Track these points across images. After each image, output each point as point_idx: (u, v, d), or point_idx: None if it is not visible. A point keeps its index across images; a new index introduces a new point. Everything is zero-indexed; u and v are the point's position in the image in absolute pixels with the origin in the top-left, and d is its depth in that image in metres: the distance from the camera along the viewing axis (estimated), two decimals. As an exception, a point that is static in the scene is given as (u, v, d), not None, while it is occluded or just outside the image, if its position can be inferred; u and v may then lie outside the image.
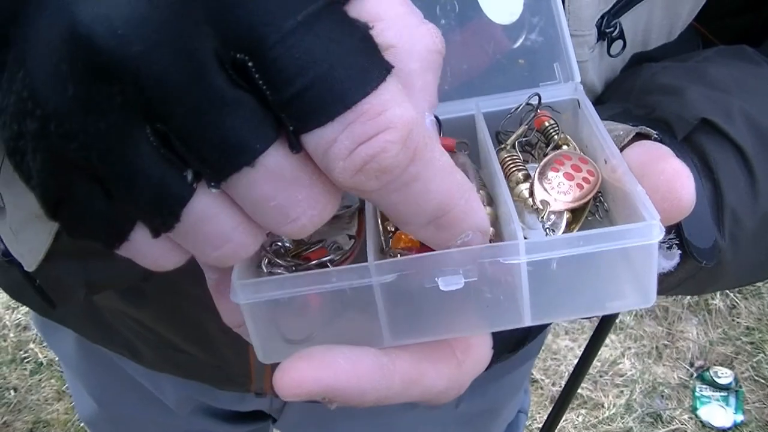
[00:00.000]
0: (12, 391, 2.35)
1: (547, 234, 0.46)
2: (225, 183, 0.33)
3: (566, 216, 0.48)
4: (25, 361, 2.43)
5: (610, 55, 0.64)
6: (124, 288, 0.77)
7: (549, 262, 0.42)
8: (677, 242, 0.56)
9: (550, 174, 0.48)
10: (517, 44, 0.56)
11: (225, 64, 0.31)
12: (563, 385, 1.34)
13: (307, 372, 0.39)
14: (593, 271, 0.43)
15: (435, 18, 0.56)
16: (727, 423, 2.25)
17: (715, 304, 2.51)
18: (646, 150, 0.48)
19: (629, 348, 2.43)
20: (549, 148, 0.52)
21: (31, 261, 0.66)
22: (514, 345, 0.52)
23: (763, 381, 2.33)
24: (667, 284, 0.61)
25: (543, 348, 2.38)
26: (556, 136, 0.52)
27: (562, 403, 1.36)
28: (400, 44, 0.35)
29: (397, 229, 0.46)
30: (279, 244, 0.46)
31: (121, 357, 0.99)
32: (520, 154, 0.51)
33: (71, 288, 0.73)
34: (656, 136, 0.52)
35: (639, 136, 0.52)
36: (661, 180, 0.44)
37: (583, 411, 2.29)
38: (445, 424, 1.10)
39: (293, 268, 0.45)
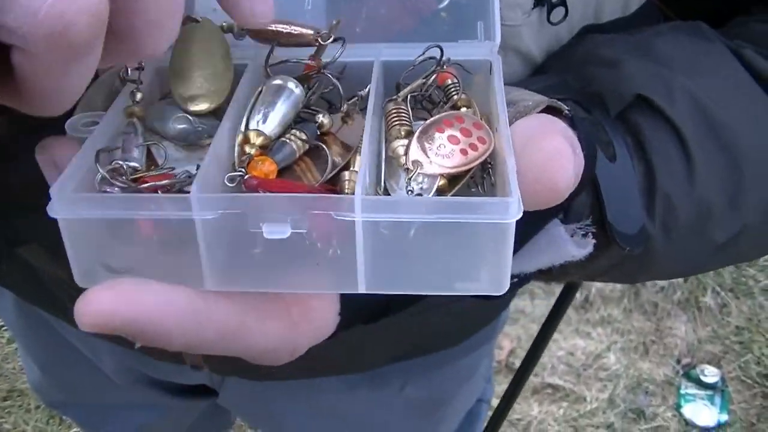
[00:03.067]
0: (-13, 360, 2.38)
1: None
2: None
3: (439, 182, 0.45)
4: (2, 329, 2.42)
5: (551, 23, 0.60)
6: (47, 242, 0.76)
7: (398, 226, 0.40)
8: (593, 230, 0.54)
9: (434, 134, 0.45)
10: (444, 3, 0.53)
11: None
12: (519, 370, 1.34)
13: (110, 305, 0.37)
14: (442, 243, 0.41)
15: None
16: (710, 422, 2.24)
17: (706, 302, 2.49)
18: (538, 123, 0.45)
19: (615, 342, 2.41)
20: (447, 107, 0.49)
21: None
22: (370, 315, 0.50)
23: (749, 381, 2.32)
24: (592, 270, 0.58)
25: (526, 338, 2.35)
26: (455, 96, 0.49)
27: (514, 388, 1.35)
28: None
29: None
30: (120, 162, 0.43)
31: (60, 322, 0.98)
32: (409, 109, 0.49)
33: None
34: (567, 112, 0.50)
35: (550, 110, 0.49)
36: (538, 158, 0.41)
37: (564, 404, 2.28)
38: (391, 407, 1.08)
39: (127, 190, 0.43)
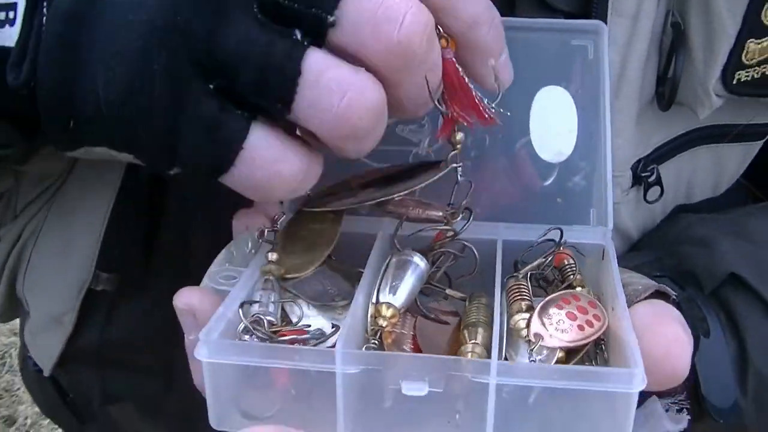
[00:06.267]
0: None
1: None
2: None
3: (558, 355, 0.47)
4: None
5: (647, 201, 0.65)
6: (141, 402, 0.80)
7: (523, 391, 0.42)
8: (688, 406, 0.55)
9: (552, 310, 0.48)
10: (547, 182, 0.57)
11: None
12: None
13: None
14: (563, 412, 0.43)
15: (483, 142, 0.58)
16: None
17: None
18: (653, 309, 0.48)
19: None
20: (562, 287, 0.52)
21: (47, 363, 0.71)
22: None
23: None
24: None
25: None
26: (571, 276, 0.52)
27: None
28: None
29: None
30: (260, 315, 0.46)
31: None
32: (529, 285, 0.51)
33: (87, 398, 0.77)
34: (675, 297, 0.52)
35: (658, 294, 0.52)
36: (659, 343, 0.44)
37: None
38: None
39: (266, 340, 0.45)
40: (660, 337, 0.44)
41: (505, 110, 0.57)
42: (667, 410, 0.55)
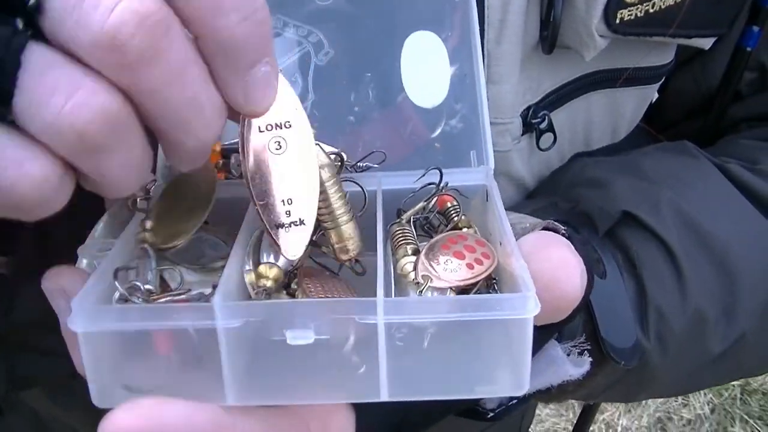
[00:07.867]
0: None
1: None
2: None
3: (450, 295, 0.46)
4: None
5: (540, 149, 0.64)
6: (51, 386, 0.77)
7: (417, 333, 0.41)
8: (589, 347, 0.55)
9: (439, 251, 0.48)
10: (436, 133, 0.56)
11: None
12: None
13: (135, 422, 0.37)
14: (460, 345, 0.42)
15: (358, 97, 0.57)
16: None
17: (734, 432, 2.48)
18: (540, 237, 0.48)
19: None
20: (448, 228, 0.51)
21: None
22: None
23: None
24: (591, 389, 0.60)
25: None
26: (456, 218, 0.52)
27: None
28: None
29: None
30: (137, 283, 0.44)
31: None
32: (413, 230, 0.51)
33: None
34: (564, 231, 0.52)
35: (547, 231, 0.52)
36: (546, 267, 0.44)
37: None
38: None
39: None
40: (546, 262, 0.43)
41: (379, 60, 0.56)
42: (568, 354, 0.55)
